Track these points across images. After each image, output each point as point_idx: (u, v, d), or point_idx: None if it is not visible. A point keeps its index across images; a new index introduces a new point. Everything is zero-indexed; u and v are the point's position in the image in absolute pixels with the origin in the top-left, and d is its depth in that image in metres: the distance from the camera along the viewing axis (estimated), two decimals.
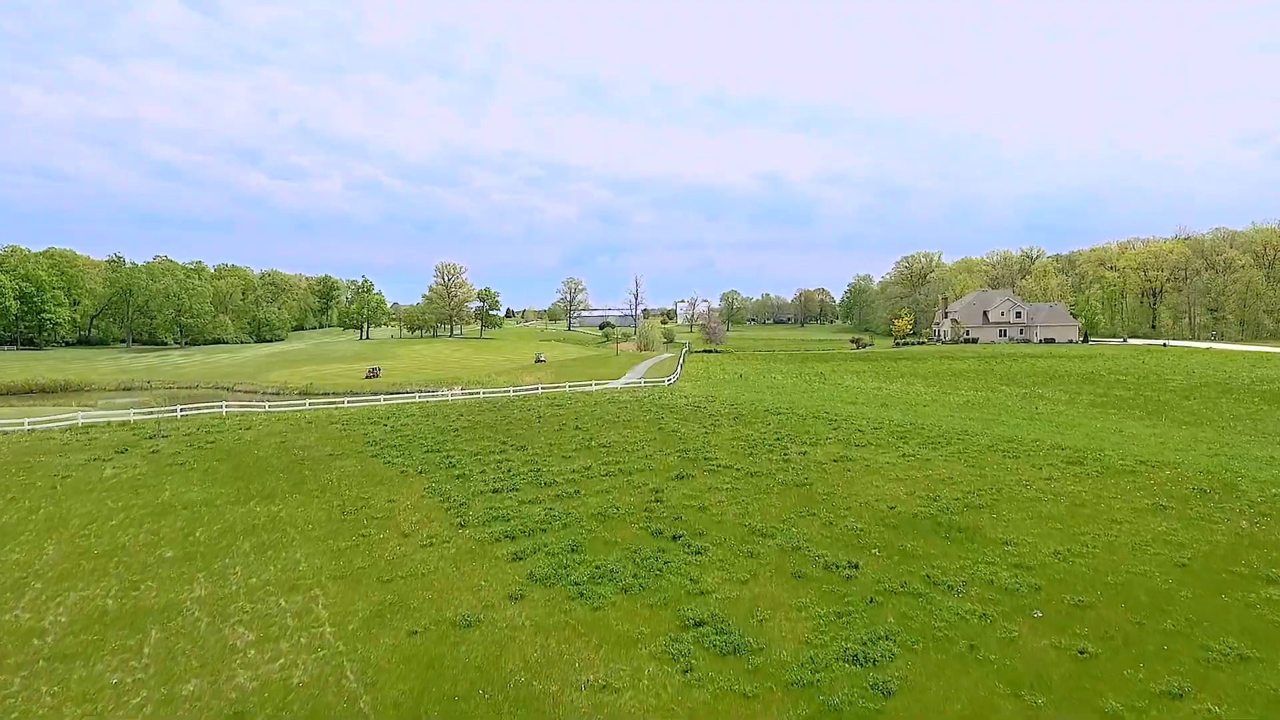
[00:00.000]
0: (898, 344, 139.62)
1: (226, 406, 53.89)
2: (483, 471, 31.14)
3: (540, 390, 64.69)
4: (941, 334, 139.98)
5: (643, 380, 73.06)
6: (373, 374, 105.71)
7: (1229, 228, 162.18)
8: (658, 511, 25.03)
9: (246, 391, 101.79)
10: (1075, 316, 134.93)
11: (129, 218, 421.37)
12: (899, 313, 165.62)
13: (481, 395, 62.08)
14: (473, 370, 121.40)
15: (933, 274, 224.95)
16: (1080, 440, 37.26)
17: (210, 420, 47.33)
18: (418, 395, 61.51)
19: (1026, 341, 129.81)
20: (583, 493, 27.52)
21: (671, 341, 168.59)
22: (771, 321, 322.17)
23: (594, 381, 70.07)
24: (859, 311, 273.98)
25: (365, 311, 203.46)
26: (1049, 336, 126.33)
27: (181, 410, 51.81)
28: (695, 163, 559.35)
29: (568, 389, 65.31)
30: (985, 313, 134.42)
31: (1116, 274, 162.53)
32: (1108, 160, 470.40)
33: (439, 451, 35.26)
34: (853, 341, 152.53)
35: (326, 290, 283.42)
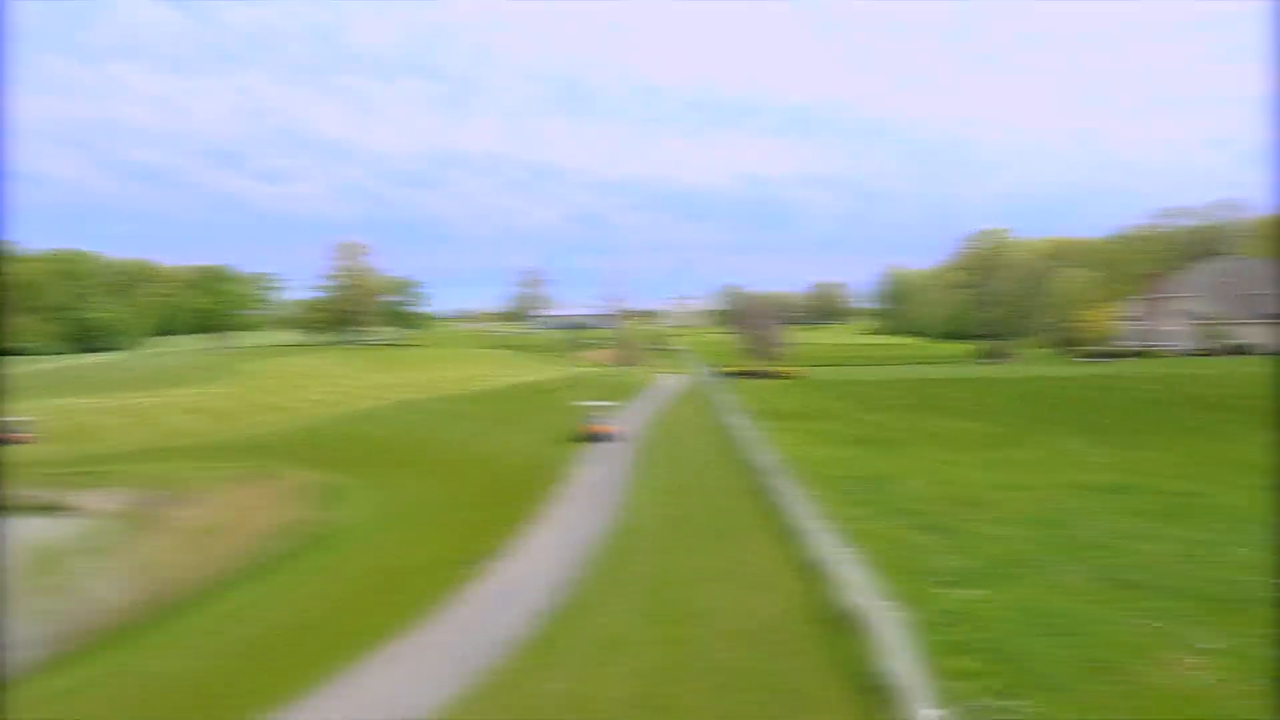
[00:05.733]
0: (1088, 358, 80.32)
1: None
2: None
3: None
4: (1160, 338, 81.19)
5: None
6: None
7: None
8: None
9: None
10: None
11: (105, 219, 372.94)
12: (1092, 303, 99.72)
13: None
14: (301, 415, 59.41)
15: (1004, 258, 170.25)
16: None
17: None
18: None
19: None
20: None
21: (662, 349, 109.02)
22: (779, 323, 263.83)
23: None
24: (899, 309, 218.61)
25: (222, 309, 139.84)
26: None
27: None
28: (678, 165, 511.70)
29: None
30: (1254, 300, 76.04)
31: None
32: (1082, 163, 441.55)
33: None
34: (985, 355, 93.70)
35: (211, 284, 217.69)
